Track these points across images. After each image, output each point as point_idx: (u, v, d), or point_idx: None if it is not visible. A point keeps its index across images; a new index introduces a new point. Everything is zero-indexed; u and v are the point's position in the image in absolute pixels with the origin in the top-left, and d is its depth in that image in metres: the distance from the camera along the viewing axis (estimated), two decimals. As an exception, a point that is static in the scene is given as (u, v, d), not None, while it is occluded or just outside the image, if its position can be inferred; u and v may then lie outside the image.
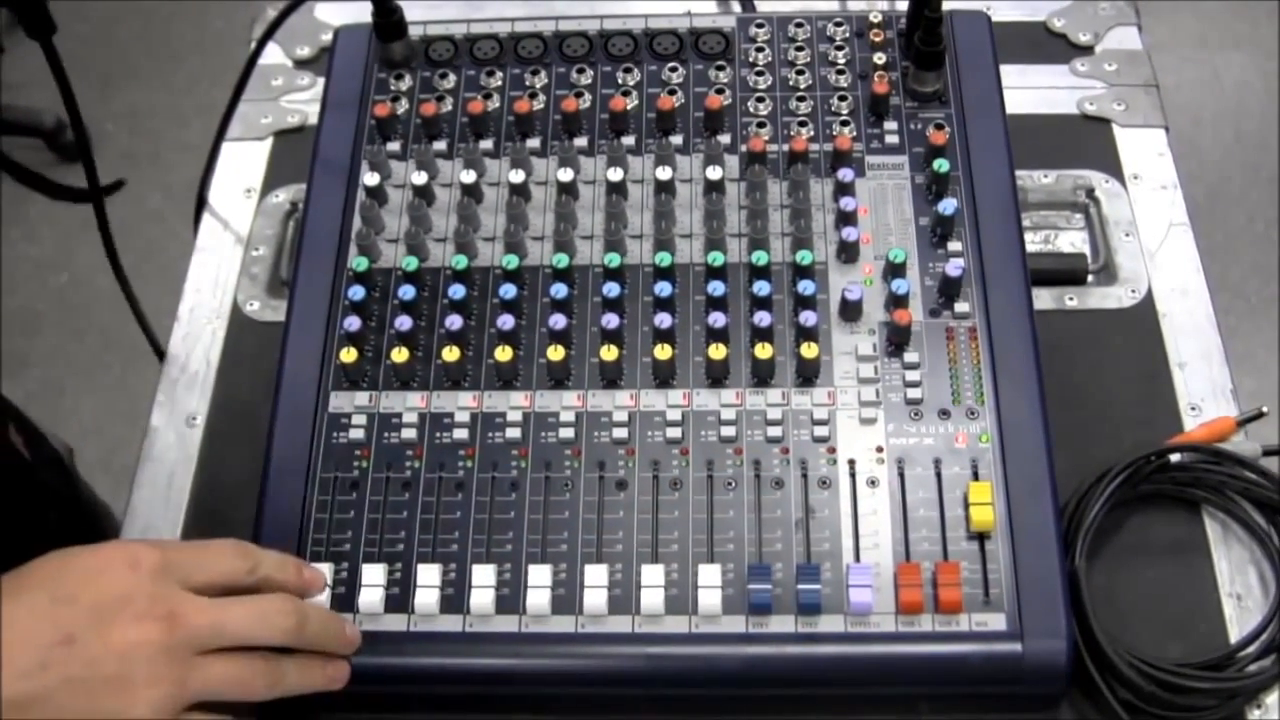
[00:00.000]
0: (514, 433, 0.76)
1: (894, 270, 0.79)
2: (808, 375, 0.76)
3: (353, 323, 0.78)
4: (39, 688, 0.59)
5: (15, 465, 0.93)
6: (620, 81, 0.88)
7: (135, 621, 0.61)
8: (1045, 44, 1.03)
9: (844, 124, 0.86)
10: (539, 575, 0.71)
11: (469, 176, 0.83)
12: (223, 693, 0.64)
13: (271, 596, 0.67)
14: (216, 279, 0.94)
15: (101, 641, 0.61)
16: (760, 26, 0.91)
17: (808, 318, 0.77)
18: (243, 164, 1.00)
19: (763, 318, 0.77)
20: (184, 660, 0.62)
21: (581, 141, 0.86)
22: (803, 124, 0.86)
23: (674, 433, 0.75)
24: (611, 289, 0.78)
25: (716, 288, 0.78)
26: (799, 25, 0.90)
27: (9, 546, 0.66)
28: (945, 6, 0.84)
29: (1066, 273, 0.90)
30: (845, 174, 0.82)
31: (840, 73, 0.88)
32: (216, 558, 0.66)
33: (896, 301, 0.78)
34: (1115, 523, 0.79)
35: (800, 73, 0.88)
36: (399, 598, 0.71)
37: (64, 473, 1.05)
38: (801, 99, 0.87)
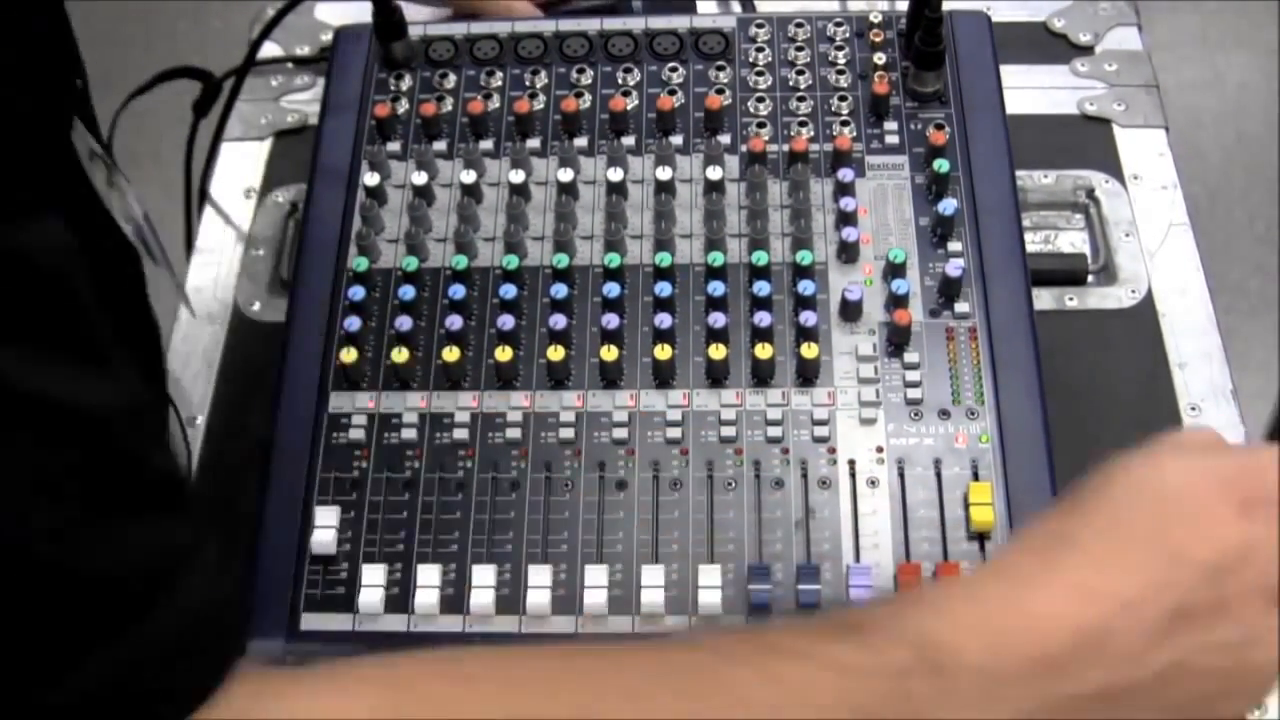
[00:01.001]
0: (514, 433, 0.76)
1: (894, 270, 0.79)
2: (808, 375, 0.76)
3: (353, 323, 0.78)
4: (1142, 675, 0.48)
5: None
6: (620, 81, 0.88)
7: (1260, 598, 0.49)
8: (1045, 44, 1.03)
9: (844, 124, 0.86)
10: (539, 575, 0.71)
11: (469, 176, 0.83)
12: None
13: None
14: (216, 279, 0.94)
15: (1225, 615, 0.48)
16: (760, 27, 0.91)
17: (808, 318, 0.77)
18: (243, 164, 1.00)
19: (763, 318, 0.77)
20: None
21: (581, 141, 0.86)
22: (803, 124, 0.86)
23: (674, 433, 0.75)
24: (611, 289, 0.78)
25: (716, 288, 0.78)
26: (799, 25, 0.90)
27: None
28: (945, 6, 0.84)
29: (1066, 273, 0.90)
30: (845, 174, 0.82)
31: (840, 73, 0.88)
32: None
33: (896, 301, 0.78)
34: (1115, 523, 0.79)
35: (800, 73, 0.88)
36: (399, 598, 0.71)
37: None
38: (801, 99, 0.87)
